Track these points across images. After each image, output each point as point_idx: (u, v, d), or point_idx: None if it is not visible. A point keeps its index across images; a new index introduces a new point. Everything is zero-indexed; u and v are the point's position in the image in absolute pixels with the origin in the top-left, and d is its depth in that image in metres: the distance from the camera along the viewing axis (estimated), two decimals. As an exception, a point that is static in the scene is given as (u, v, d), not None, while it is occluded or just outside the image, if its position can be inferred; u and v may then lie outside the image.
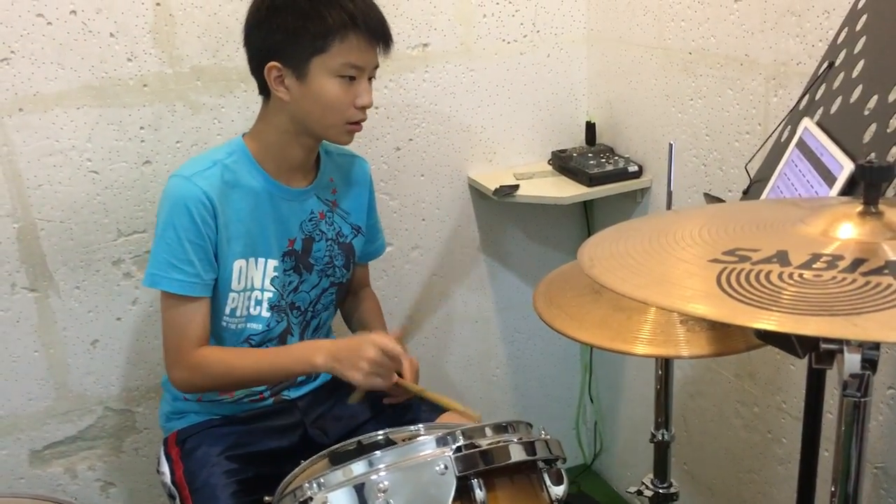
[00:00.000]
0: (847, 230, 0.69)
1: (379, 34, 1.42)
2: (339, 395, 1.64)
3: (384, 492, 0.95)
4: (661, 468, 1.41)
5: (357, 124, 1.46)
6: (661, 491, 1.41)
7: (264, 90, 1.46)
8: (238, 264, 1.47)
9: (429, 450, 1.00)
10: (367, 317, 1.70)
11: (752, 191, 1.33)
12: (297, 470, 1.29)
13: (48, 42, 1.63)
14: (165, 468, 1.52)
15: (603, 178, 1.96)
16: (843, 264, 0.62)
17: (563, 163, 2.05)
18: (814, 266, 0.63)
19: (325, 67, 1.39)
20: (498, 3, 2.00)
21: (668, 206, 1.32)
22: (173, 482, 1.49)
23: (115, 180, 1.75)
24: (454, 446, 1.00)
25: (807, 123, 1.18)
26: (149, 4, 1.69)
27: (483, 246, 2.18)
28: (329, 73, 1.39)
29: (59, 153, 1.69)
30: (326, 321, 1.65)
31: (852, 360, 0.68)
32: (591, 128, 2.10)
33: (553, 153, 2.11)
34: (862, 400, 0.70)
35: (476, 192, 2.10)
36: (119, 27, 1.68)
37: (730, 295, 0.59)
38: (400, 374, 1.47)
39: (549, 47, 2.08)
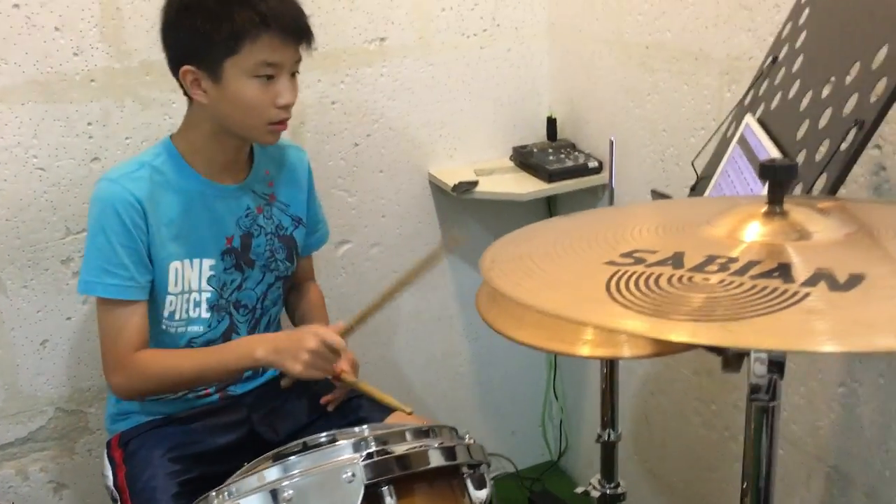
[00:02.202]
0: (752, 231, 0.67)
1: (293, 31, 1.37)
2: (287, 393, 1.61)
3: (288, 501, 0.93)
4: (607, 468, 1.39)
5: (281, 123, 1.42)
6: (608, 491, 1.39)
7: (186, 92, 1.43)
8: (174, 266, 1.44)
9: (344, 455, 0.98)
10: (309, 311, 1.67)
11: (698, 188, 1.31)
12: (239, 472, 1.26)
13: (-9, 36, 1.60)
14: (108, 471, 1.50)
15: (562, 174, 1.94)
16: (734, 267, 0.60)
17: (523, 158, 2.03)
18: (706, 269, 0.61)
19: (239, 68, 1.35)
20: (456, -3, 1.97)
21: (612, 203, 1.31)
22: (115, 485, 1.47)
23: (63, 177, 1.72)
24: (364, 453, 0.97)
25: (748, 120, 1.16)
26: (95, -2, 1.66)
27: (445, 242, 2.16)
28: (244, 74, 1.35)
29: (4, 150, 1.66)
30: (276, 317, 1.63)
31: (759, 364, 0.66)
32: (552, 123, 2.08)
33: (514, 149, 2.08)
34: (770, 404, 0.68)
35: (437, 188, 2.07)
36: (64, 21, 1.65)
37: (615, 299, 0.57)
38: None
39: (510, 41, 2.06)
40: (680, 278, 0.59)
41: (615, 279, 0.59)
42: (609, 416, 1.38)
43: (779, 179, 0.66)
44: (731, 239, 0.66)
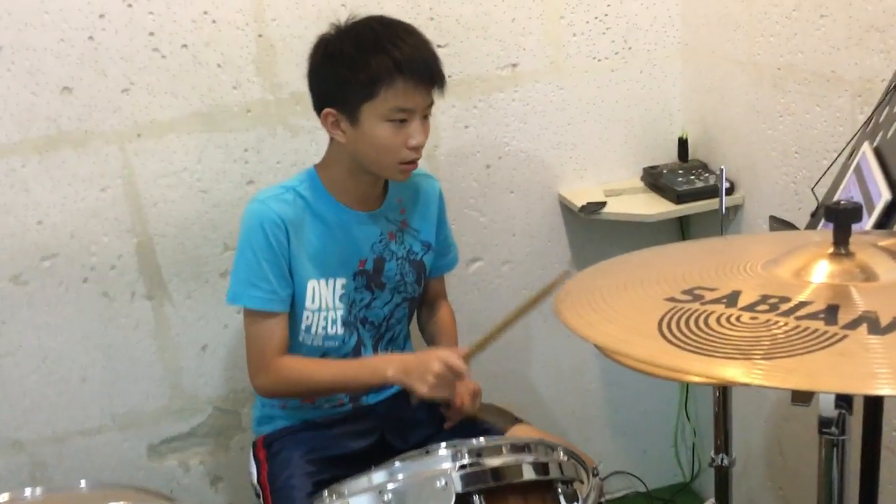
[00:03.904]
0: (820, 272, 0.69)
1: (426, 77, 1.46)
2: (416, 404, 1.70)
3: (387, 503, 1.01)
4: (721, 494, 1.39)
5: (411, 163, 1.52)
6: (722, 517, 1.39)
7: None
8: (311, 284, 1.57)
9: (441, 465, 1.06)
10: (437, 329, 1.77)
11: (817, 215, 1.30)
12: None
13: (163, 74, 1.80)
14: (253, 469, 1.65)
15: (691, 196, 1.94)
16: (785, 307, 0.63)
17: (653, 179, 2.05)
18: (756, 308, 0.64)
19: (374, 112, 1.45)
20: (588, 23, 2.01)
21: (721, 231, 1.32)
22: (258, 482, 1.62)
23: (222, 199, 1.90)
24: (459, 463, 1.05)
25: (865, 148, 1.15)
26: (252, 37, 1.83)
27: (575, 261, 2.20)
28: (379, 118, 1.46)
29: (173, 174, 1.86)
30: (400, 333, 1.73)
31: (827, 398, 0.68)
32: (683, 144, 2.08)
33: (645, 169, 2.10)
34: (839, 438, 0.70)
35: (567, 208, 2.12)
36: (225, 58, 1.83)
37: (664, 336, 0.62)
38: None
39: (642, 63, 2.08)
40: (728, 317, 0.63)
41: (668, 316, 0.64)
42: (723, 441, 1.38)
43: (843, 222, 0.68)
44: (798, 279, 0.69)
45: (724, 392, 1.35)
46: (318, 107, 1.53)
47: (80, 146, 1.79)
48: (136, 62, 1.78)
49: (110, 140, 1.80)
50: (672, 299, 0.68)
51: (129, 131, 1.81)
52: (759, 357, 0.57)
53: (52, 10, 1.70)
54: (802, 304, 0.63)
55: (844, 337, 0.58)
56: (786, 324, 0.61)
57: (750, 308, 0.64)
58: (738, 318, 0.63)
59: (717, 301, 0.66)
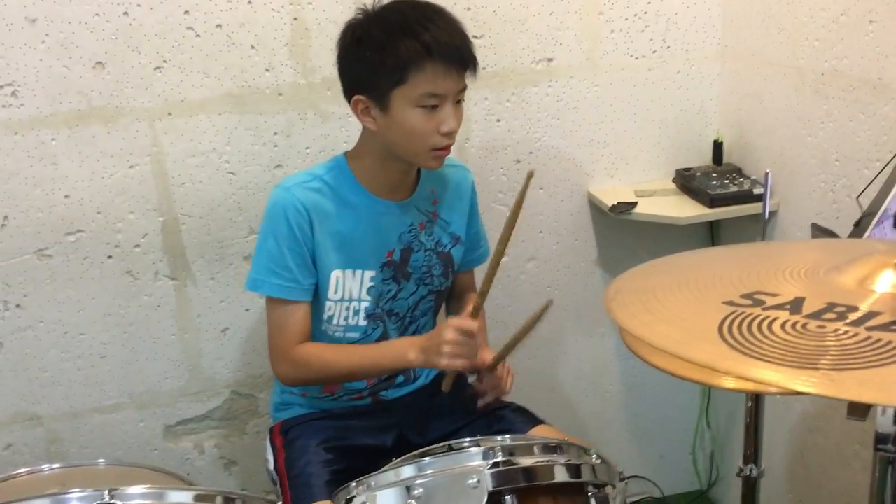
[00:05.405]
0: (885, 281, 0.66)
1: (456, 60, 1.42)
2: (437, 400, 1.68)
3: (418, 498, 0.99)
4: (748, 504, 1.37)
5: (444, 149, 1.48)
6: (747, 528, 1.36)
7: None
8: (335, 274, 1.54)
9: (473, 462, 1.04)
10: None
11: (861, 224, 1.27)
12: (383, 468, 1.34)
13: (196, 53, 1.78)
14: (270, 455, 1.64)
15: (725, 200, 1.90)
16: (853, 317, 0.61)
17: (686, 181, 2.01)
18: (823, 317, 0.61)
19: (405, 98, 1.41)
20: (627, 20, 1.98)
21: (763, 236, 1.29)
22: (275, 468, 1.60)
23: (250, 181, 1.88)
24: (491, 461, 1.03)
25: (917, 157, 1.12)
26: (287, 19, 1.81)
27: (601, 261, 2.17)
28: (410, 104, 1.42)
29: (201, 155, 1.84)
30: (425, 326, 1.70)
31: (884, 413, 0.65)
32: (718, 147, 2.05)
33: (677, 171, 2.07)
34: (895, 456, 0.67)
35: (595, 207, 2.09)
36: (259, 40, 1.81)
37: (725, 340, 0.59)
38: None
39: (680, 63, 2.04)
40: (794, 325, 0.60)
41: (729, 320, 0.61)
42: (752, 451, 1.35)
43: (913, 230, 0.66)
44: (862, 287, 0.66)
45: (756, 401, 1.32)
46: (348, 94, 1.50)
47: (111, 122, 1.77)
48: (169, 40, 1.76)
49: (140, 117, 1.78)
50: (731, 303, 0.65)
51: (159, 109, 1.79)
52: (827, 367, 0.55)
53: (88, -16, 1.69)
54: (871, 315, 0.61)
55: (920, 351, 0.55)
56: (856, 334, 0.58)
57: (816, 316, 0.62)
58: (804, 326, 0.61)
59: (780, 307, 0.64)
